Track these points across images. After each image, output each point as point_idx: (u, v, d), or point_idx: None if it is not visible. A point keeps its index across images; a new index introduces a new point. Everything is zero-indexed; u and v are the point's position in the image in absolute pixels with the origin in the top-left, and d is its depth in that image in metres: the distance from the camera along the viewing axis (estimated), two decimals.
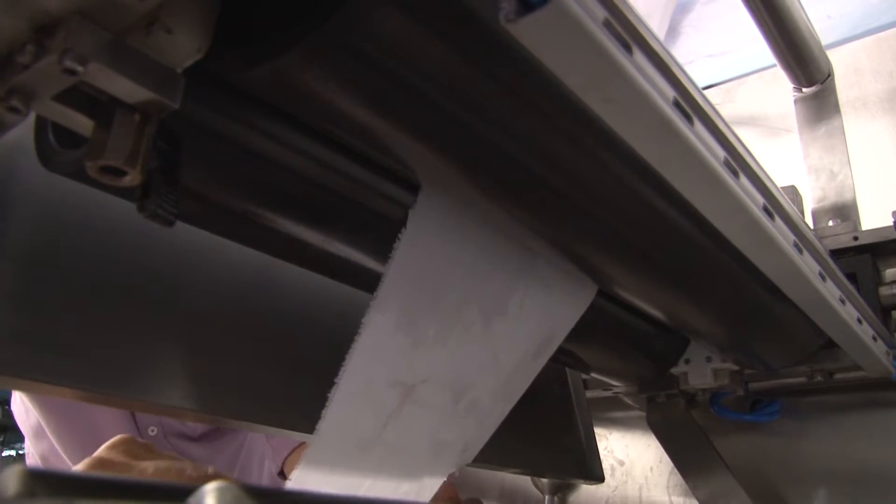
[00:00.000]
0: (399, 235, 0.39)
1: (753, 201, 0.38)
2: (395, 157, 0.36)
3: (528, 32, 0.23)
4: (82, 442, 0.95)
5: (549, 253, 0.47)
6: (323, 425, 0.40)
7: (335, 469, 0.43)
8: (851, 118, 0.99)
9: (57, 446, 0.97)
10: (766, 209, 0.40)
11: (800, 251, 0.46)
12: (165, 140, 0.28)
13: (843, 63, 1.03)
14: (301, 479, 0.41)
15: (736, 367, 0.73)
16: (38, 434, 0.99)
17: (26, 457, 1.04)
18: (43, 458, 0.99)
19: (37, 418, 0.97)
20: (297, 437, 0.54)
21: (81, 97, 0.25)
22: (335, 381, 0.39)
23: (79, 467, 0.62)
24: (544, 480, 1.05)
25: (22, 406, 1.02)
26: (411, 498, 0.49)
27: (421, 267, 0.41)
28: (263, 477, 1.09)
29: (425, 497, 0.50)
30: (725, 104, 1.15)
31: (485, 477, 1.13)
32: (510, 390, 0.52)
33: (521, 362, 0.51)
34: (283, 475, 1.03)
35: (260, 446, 1.09)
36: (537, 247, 0.47)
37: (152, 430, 0.98)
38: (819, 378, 0.77)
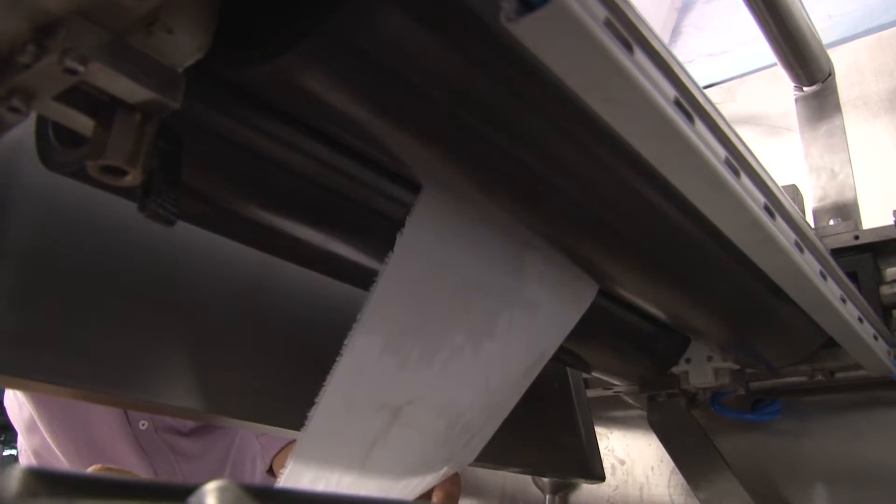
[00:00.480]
0: (385, 259, 0.39)
1: (754, 200, 0.38)
2: (394, 157, 0.36)
3: (529, 32, 0.23)
4: (75, 436, 0.96)
5: (550, 252, 0.47)
6: (303, 443, 0.39)
7: (319, 481, 0.42)
8: (852, 117, 0.99)
9: (49, 440, 0.97)
10: (766, 208, 0.40)
11: (801, 250, 0.46)
12: (166, 139, 0.28)
13: (844, 62, 1.03)
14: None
15: (737, 367, 0.73)
16: (31, 428, 0.99)
17: (19, 452, 1.04)
18: (35, 452, 0.99)
19: (30, 413, 0.97)
20: (294, 435, 0.54)
21: (82, 97, 0.25)
22: (315, 400, 0.39)
23: None
24: (545, 480, 1.05)
25: (15, 401, 1.02)
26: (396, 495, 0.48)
27: (407, 289, 0.40)
28: (256, 473, 1.09)
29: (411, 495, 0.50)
30: (726, 103, 1.15)
31: (485, 476, 1.13)
32: (500, 407, 0.52)
33: (512, 381, 0.51)
34: (271, 472, 1.04)
35: (253, 442, 1.09)
36: (539, 246, 0.47)
37: (143, 425, 0.98)
38: (820, 377, 0.77)
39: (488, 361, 0.47)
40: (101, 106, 0.25)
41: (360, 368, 0.39)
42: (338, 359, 0.38)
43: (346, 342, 0.38)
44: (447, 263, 0.42)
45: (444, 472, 0.52)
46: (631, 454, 1.04)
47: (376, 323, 0.39)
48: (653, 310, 0.57)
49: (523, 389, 0.53)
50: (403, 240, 0.39)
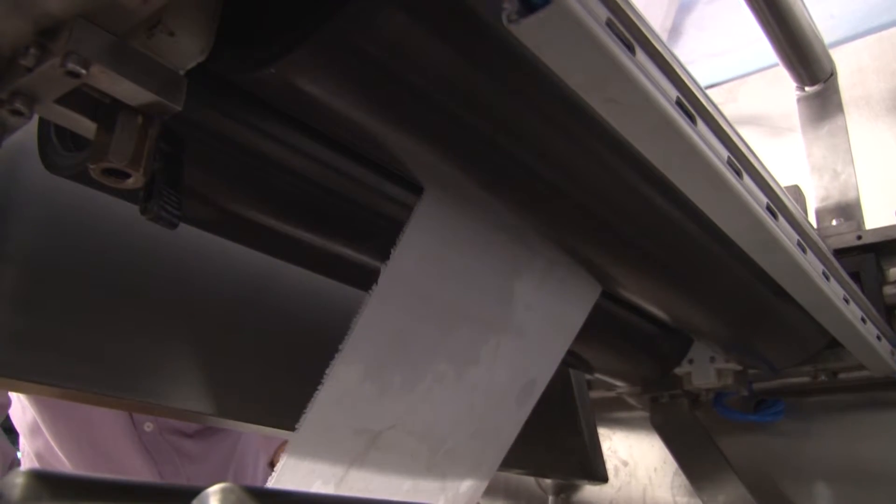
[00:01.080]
0: (370, 290, 0.39)
1: (757, 201, 0.38)
2: (396, 158, 0.36)
3: (531, 33, 0.23)
4: (78, 438, 0.96)
5: (554, 254, 0.47)
6: (282, 468, 0.40)
7: None
8: (854, 117, 0.99)
9: (52, 442, 0.97)
10: (769, 209, 0.40)
11: (803, 250, 0.45)
12: (168, 142, 0.28)
13: (845, 62, 1.02)
14: None
15: (739, 367, 0.73)
16: (34, 431, 0.99)
17: (21, 455, 1.04)
18: (38, 455, 0.99)
19: (33, 415, 0.97)
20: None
21: (84, 100, 0.25)
22: (296, 426, 0.39)
23: None
24: (548, 481, 1.05)
25: (18, 404, 1.02)
26: None
27: (391, 318, 0.40)
28: (258, 473, 1.10)
29: None
30: (728, 103, 1.15)
31: None
32: (494, 438, 0.52)
33: (502, 408, 0.51)
34: (272, 466, 1.04)
35: (255, 442, 1.10)
36: (543, 249, 0.47)
37: (148, 427, 0.98)
38: (823, 378, 0.77)
39: (472, 387, 0.47)
40: (103, 108, 0.25)
41: (341, 396, 0.40)
42: (319, 387, 0.39)
43: (327, 371, 0.39)
44: (434, 289, 0.42)
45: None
46: (634, 455, 1.03)
47: (359, 352, 0.39)
48: (655, 310, 0.57)
49: (520, 417, 0.53)
50: (391, 266, 0.39)
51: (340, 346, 0.39)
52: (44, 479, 0.16)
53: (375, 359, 0.41)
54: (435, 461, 0.47)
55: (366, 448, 0.43)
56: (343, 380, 0.39)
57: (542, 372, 0.53)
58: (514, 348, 0.48)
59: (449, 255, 0.42)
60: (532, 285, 0.48)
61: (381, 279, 0.39)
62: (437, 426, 0.46)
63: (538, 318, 0.49)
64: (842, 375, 0.78)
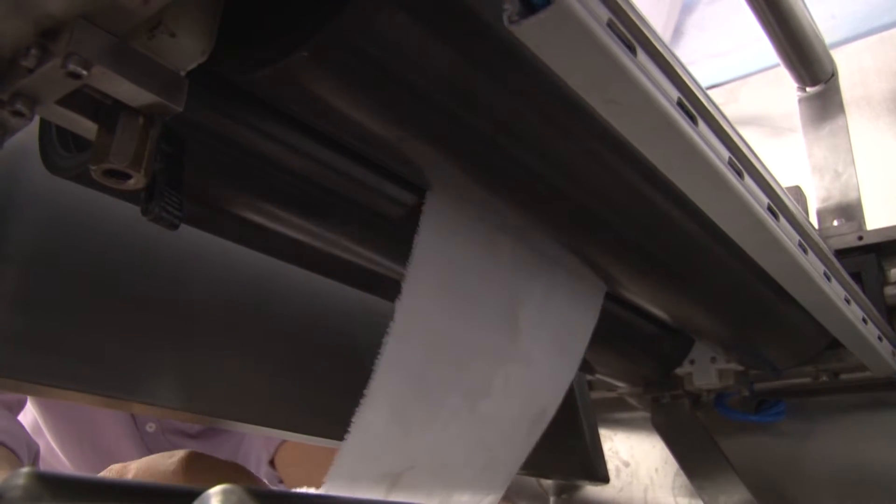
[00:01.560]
0: (387, 329, 0.38)
1: (758, 201, 0.38)
2: (396, 158, 0.36)
3: (531, 34, 0.23)
4: (79, 439, 0.96)
5: (558, 254, 0.47)
6: None
7: None
8: (856, 117, 0.99)
9: (53, 443, 0.97)
10: (770, 209, 0.40)
11: (804, 251, 0.45)
12: (169, 142, 0.28)
13: (847, 62, 1.02)
14: None
15: (741, 368, 0.73)
16: (35, 432, 0.99)
17: None
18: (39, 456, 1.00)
19: (34, 416, 0.97)
20: (297, 438, 0.54)
21: (85, 101, 0.25)
22: (323, 480, 0.38)
23: None
24: (549, 481, 1.05)
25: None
26: None
27: (412, 359, 0.40)
28: (262, 475, 1.09)
29: None
30: (729, 104, 1.15)
31: None
32: (504, 466, 0.52)
33: (512, 439, 0.51)
34: (272, 465, 1.04)
35: (259, 444, 1.10)
36: (547, 249, 0.47)
37: (150, 427, 0.98)
38: (824, 378, 0.76)
39: (484, 421, 0.46)
40: (104, 110, 0.25)
41: (368, 443, 0.39)
42: (346, 436, 0.38)
43: (353, 419, 0.38)
44: (447, 315, 0.41)
45: None
46: (635, 456, 1.03)
47: (383, 396, 0.39)
48: (656, 311, 0.57)
49: (529, 445, 0.53)
50: (402, 302, 0.38)
51: (364, 392, 0.38)
52: (45, 480, 0.16)
53: (398, 401, 0.40)
54: (450, 494, 0.47)
55: (387, 492, 0.42)
56: (370, 426, 0.39)
57: (554, 395, 0.52)
58: (521, 377, 0.48)
59: (458, 262, 0.42)
60: (540, 291, 0.48)
61: (396, 315, 0.38)
62: (452, 461, 0.46)
63: (545, 332, 0.49)
64: (843, 376, 0.78)
